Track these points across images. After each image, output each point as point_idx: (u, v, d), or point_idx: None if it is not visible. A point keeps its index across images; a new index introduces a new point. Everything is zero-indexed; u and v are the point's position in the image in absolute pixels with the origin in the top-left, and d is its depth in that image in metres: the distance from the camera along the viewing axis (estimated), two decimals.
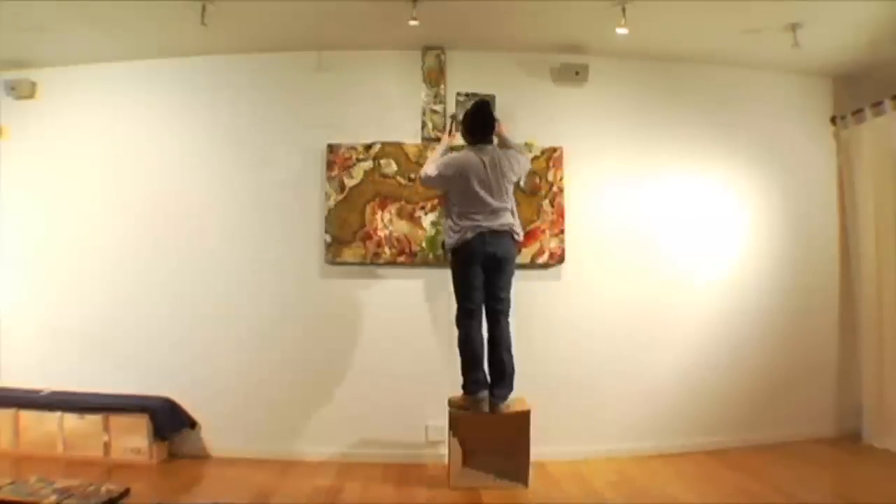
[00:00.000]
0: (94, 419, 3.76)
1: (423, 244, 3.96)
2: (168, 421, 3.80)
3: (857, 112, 4.23)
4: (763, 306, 4.24)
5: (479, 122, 3.54)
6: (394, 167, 3.98)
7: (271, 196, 4.05)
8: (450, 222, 3.49)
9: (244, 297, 4.01)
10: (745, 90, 4.32)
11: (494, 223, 3.40)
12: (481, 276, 3.43)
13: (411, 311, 3.97)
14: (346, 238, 3.95)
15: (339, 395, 3.95)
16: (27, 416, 3.82)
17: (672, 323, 4.13)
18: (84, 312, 4.08)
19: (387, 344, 3.96)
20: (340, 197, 3.97)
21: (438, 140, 3.88)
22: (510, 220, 3.47)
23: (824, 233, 4.40)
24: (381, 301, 3.99)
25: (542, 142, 4.03)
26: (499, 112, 3.72)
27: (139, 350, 4.02)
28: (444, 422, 3.50)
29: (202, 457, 3.91)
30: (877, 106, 4.07)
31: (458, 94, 4.03)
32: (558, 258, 3.99)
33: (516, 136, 3.81)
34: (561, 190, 4.01)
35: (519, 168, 3.58)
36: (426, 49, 4.05)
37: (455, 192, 3.46)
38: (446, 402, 3.52)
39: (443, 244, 3.72)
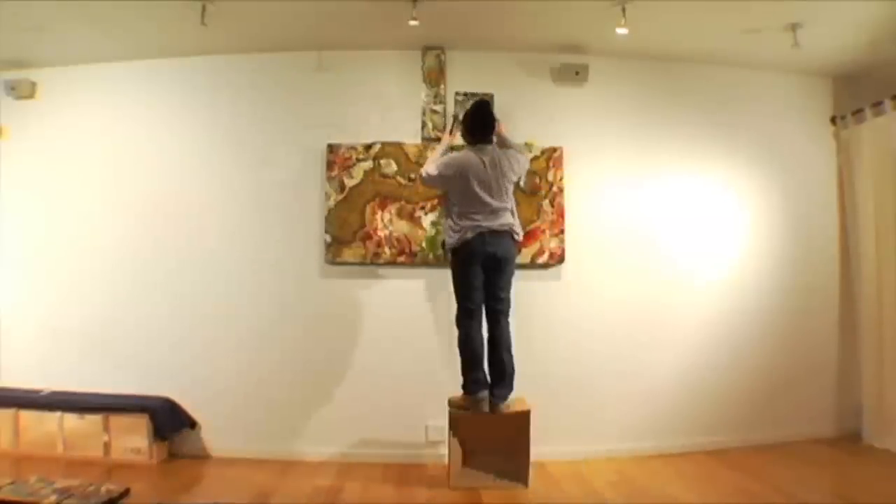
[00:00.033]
0: (94, 419, 3.76)
1: (423, 244, 3.96)
2: (168, 421, 3.80)
3: (857, 112, 4.23)
4: (763, 306, 4.24)
5: (479, 121, 3.53)
6: (394, 167, 3.98)
7: (271, 196, 4.05)
8: (450, 222, 3.49)
9: (244, 297, 4.01)
10: (745, 90, 4.32)
11: (494, 223, 3.40)
12: (481, 276, 3.43)
13: (411, 311, 3.97)
14: (346, 238, 3.95)
15: (339, 395, 3.95)
16: (27, 416, 3.82)
17: (672, 323, 4.13)
18: (84, 312, 4.08)
19: (387, 344, 3.96)
20: (340, 197, 3.97)
21: (439, 140, 3.89)
22: (510, 219, 3.47)
23: (824, 233, 4.40)
24: (381, 301, 3.99)
25: (542, 142, 4.03)
26: (498, 112, 3.71)
27: (139, 350, 4.02)
28: (444, 422, 3.50)
29: (202, 457, 3.91)
30: (877, 106, 4.07)
31: (457, 93, 4.03)
32: (558, 258, 3.99)
33: (516, 136, 3.81)
34: (561, 190, 4.01)
35: (519, 167, 3.58)
36: (426, 49, 4.05)
37: (455, 192, 3.46)
38: (446, 402, 3.52)
39: (443, 244, 3.72)
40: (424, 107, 4.05)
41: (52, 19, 3.59)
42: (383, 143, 3.99)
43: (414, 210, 3.97)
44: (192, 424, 3.93)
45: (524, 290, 3.75)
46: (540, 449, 3.51)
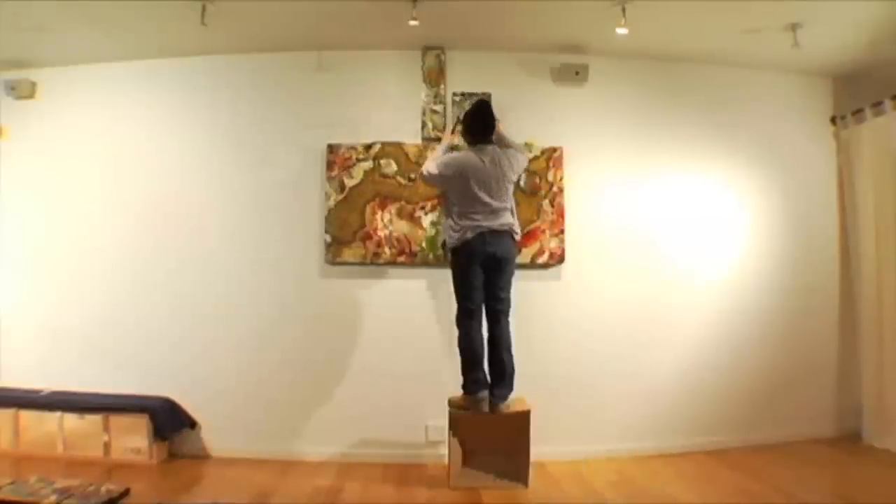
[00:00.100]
0: (94, 419, 3.76)
1: (423, 244, 3.96)
2: (168, 421, 3.80)
3: (857, 112, 4.23)
4: (763, 306, 4.24)
5: (480, 121, 3.53)
6: (394, 167, 3.98)
7: (271, 196, 4.05)
8: (450, 222, 3.49)
9: (244, 297, 4.01)
10: (745, 90, 4.32)
11: (494, 223, 3.40)
12: (481, 276, 3.43)
13: (411, 311, 3.97)
14: (346, 238, 3.95)
15: (339, 395, 3.95)
16: (27, 416, 3.82)
17: (672, 323, 4.13)
18: (84, 312, 4.08)
19: (387, 344, 3.96)
20: (340, 197, 3.97)
21: (439, 140, 3.89)
22: (510, 219, 3.47)
23: (824, 233, 4.40)
24: (381, 301, 3.99)
25: (542, 142, 4.03)
26: (498, 112, 3.71)
27: (139, 350, 4.02)
28: (444, 422, 3.50)
29: (202, 457, 3.91)
30: (877, 106, 4.07)
31: (455, 94, 4.03)
32: (558, 258, 3.99)
33: (516, 136, 3.80)
34: (561, 190, 4.01)
35: (518, 167, 3.58)
36: (426, 49, 4.05)
37: (455, 192, 3.46)
38: (446, 402, 3.52)
39: (443, 244, 3.72)
40: (424, 107, 4.05)
41: (52, 19, 3.59)
42: (383, 143, 3.99)
43: (414, 210, 3.97)
44: (192, 424, 3.93)
45: (524, 290, 3.75)
46: (540, 449, 3.51)
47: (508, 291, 3.49)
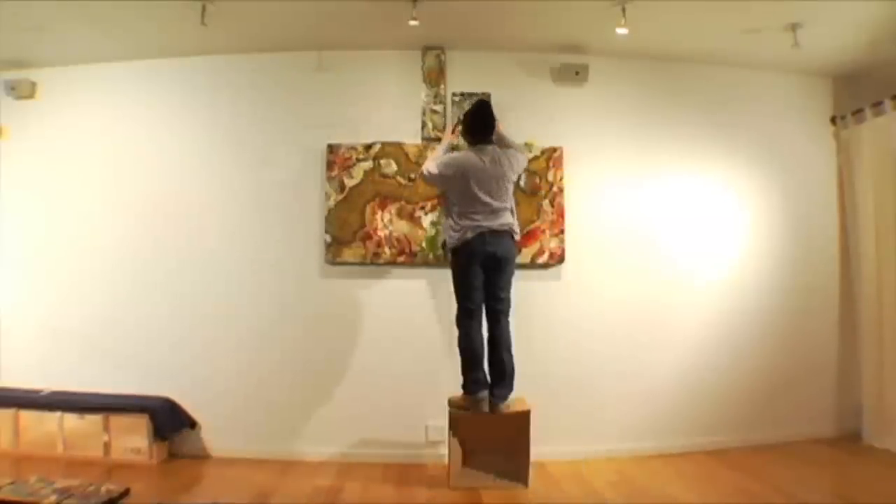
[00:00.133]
0: (94, 419, 3.76)
1: (423, 244, 3.96)
2: (168, 421, 3.80)
3: (857, 112, 4.23)
4: (763, 306, 4.24)
5: (480, 121, 3.53)
6: (394, 167, 3.98)
7: (271, 196, 4.05)
8: (450, 222, 3.49)
9: (244, 297, 4.01)
10: (745, 90, 4.32)
11: (495, 223, 3.40)
12: (481, 276, 3.43)
13: (411, 311, 3.97)
14: (346, 238, 3.95)
15: (339, 395, 3.95)
16: (27, 416, 3.82)
17: (672, 323, 4.13)
18: (84, 312, 4.08)
19: (387, 344, 3.96)
20: (340, 197, 3.97)
21: (439, 140, 3.89)
22: (510, 219, 3.47)
23: (824, 233, 4.40)
24: (381, 301, 3.99)
25: (542, 142, 4.02)
26: (498, 112, 3.70)
27: (139, 350, 4.02)
28: (444, 422, 3.50)
29: (202, 457, 3.91)
30: (877, 106, 4.07)
31: (455, 94, 4.03)
32: (558, 258, 3.99)
33: (516, 136, 3.80)
34: (561, 190, 4.01)
35: (518, 166, 3.59)
36: (426, 49, 4.05)
37: (455, 191, 3.46)
38: (446, 402, 3.52)
39: (443, 244, 3.72)
40: (424, 107, 4.05)
41: (52, 19, 3.59)
42: (383, 143, 3.99)
43: (414, 210, 3.97)
44: (192, 424, 3.93)
45: (524, 290, 3.75)
46: (540, 449, 3.51)
47: (508, 291, 3.49)
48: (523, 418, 3.40)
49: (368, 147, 3.98)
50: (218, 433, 3.95)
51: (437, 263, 3.91)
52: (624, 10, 3.39)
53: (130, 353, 4.03)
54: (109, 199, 4.12)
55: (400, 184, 3.97)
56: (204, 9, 3.41)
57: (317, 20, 3.69)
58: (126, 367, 4.00)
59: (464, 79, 4.06)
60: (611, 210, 4.11)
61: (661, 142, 4.19)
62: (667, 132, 4.20)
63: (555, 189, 4.01)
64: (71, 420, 3.78)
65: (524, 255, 3.89)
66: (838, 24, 3.66)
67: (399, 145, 3.99)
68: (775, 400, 4.21)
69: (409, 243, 3.95)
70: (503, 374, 3.41)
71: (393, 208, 3.96)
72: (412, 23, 3.45)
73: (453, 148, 3.72)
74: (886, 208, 4.05)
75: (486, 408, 3.39)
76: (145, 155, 4.13)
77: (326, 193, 3.98)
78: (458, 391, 3.49)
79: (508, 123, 3.78)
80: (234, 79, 4.12)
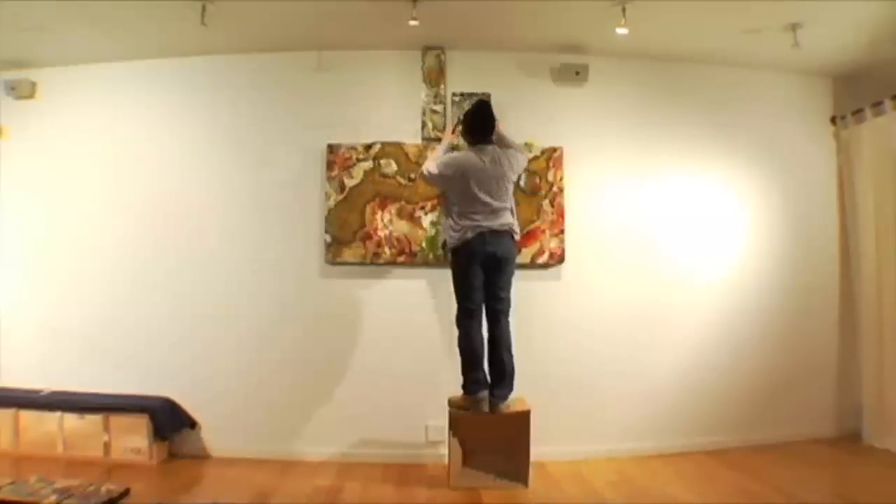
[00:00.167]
0: (94, 419, 3.76)
1: (423, 244, 3.96)
2: (168, 421, 3.80)
3: (857, 112, 4.23)
4: (763, 306, 4.24)
5: (480, 121, 3.53)
6: (394, 167, 3.98)
7: (271, 196, 4.05)
8: (450, 222, 3.49)
9: (244, 297, 4.01)
10: (745, 90, 4.32)
11: (495, 223, 3.40)
12: (481, 276, 3.43)
13: (411, 311, 3.97)
14: (346, 238, 3.95)
15: (339, 395, 3.95)
16: (27, 416, 3.82)
17: (672, 323, 4.13)
18: (84, 312, 4.08)
19: (387, 344, 3.96)
20: (340, 197, 3.97)
21: (439, 140, 3.89)
22: (510, 219, 3.47)
23: (824, 233, 4.40)
24: (381, 301, 3.99)
25: (542, 142, 4.02)
26: (498, 112, 3.70)
27: (139, 350, 4.02)
28: (444, 422, 3.50)
29: (202, 457, 3.91)
30: (877, 106, 4.07)
31: (455, 94, 4.03)
32: (558, 258, 3.99)
33: (516, 136, 3.80)
34: (561, 190, 4.01)
35: (518, 166, 3.59)
36: (426, 49, 4.05)
37: (455, 191, 3.46)
38: (446, 402, 3.52)
39: (443, 244, 3.72)
40: (424, 107, 4.05)
41: (52, 19, 3.59)
42: (383, 143, 3.99)
43: (414, 210, 3.97)
44: (192, 424, 3.93)
45: (524, 290, 3.75)
46: (540, 449, 3.51)
47: (508, 291, 3.49)
48: (523, 418, 3.40)
49: (368, 147, 3.98)
50: (218, 433, 3.95)
51: (437, 263, 3.91)
52: (624, 10, 3.39)
53: (130, 353, 4.03)
54: (109, 199, 4.12)
55: (400, 184, 3.97)
56: (204, 9, 3.41)
57: (317, 20, 3.69)
58: (126, 367, 4.01)
59: (464, 79, 4.06)
60: (611, 210, 4.11)
61: (661, 142, 4.19)
62: (667, 132, 4.20)
63: (555, 189, 4.01)
64: (71, 420, 3.78)
65: (524, 255, 3.88)
66: (838, 24, 3.66)
67: (399, 145, 3.99)
68: (775, 400, 4.21)
69: (409, 243, 3.95)
70: (503, 374, 3.41)
71: (393, 208, 3.96)
72: (412, 23, 3.45)
73: (453, 148, 3.72)
74: (886, 208, 4.05)
75: (486, 408, 3.39)
76: (145, 155, 4.13)
77: (326, 193, 3.98)
78: (458, 391, 3.49)
79: (508, 123, 3.78)
80: (234, 79, 4.12)
